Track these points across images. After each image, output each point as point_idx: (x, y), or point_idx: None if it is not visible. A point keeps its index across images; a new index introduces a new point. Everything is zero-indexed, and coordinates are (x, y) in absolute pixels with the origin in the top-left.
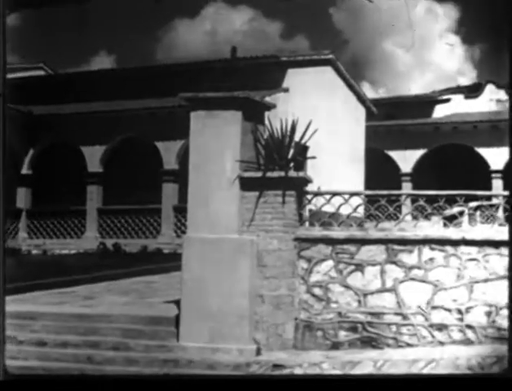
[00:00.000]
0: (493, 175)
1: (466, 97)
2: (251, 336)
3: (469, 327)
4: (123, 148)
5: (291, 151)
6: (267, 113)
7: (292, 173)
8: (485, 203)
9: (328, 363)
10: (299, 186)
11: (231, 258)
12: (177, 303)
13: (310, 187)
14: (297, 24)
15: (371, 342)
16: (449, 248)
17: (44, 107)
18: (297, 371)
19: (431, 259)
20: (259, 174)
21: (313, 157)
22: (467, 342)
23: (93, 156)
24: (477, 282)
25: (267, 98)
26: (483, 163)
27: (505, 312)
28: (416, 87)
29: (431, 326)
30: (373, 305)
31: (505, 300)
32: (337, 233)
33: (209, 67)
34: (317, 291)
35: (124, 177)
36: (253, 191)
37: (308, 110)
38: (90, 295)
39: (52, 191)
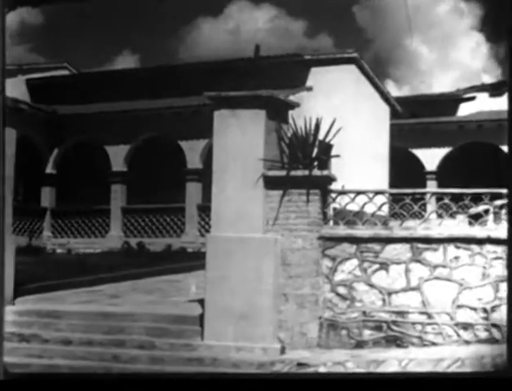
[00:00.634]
0: None
1: (491, 95)
2: (275, 335)
3: (494, 325)
4: (147, 147)
5: (315, 150)
6: (290, 112)
7: (316, 172)
8: None
9: (353, 362)
10: (323, 185)
11: (255, 257)
12: (201, 302)
13: (334, 186)
14: (321, 23)
15: (396, 341)
16: (474, 247)
17: (68, 107)
18: (322, 370)
19: (456, 258)
20: (283, 173)
21: (337, 156)
22: (493, 341)
23: (117, 155)
24: (502, 280)
25: (291, 97)
26: (508, 161)
27: None
28: (440, 85)
29: (457, 325)
30: (398, 303)
31: None
32: (361, 232)
33: (232, 66)
34: (341, 290)
35: (148, 177)
36: (277, 189)
37: (332, 108)
38: (116, 293)
39: (76, 190)
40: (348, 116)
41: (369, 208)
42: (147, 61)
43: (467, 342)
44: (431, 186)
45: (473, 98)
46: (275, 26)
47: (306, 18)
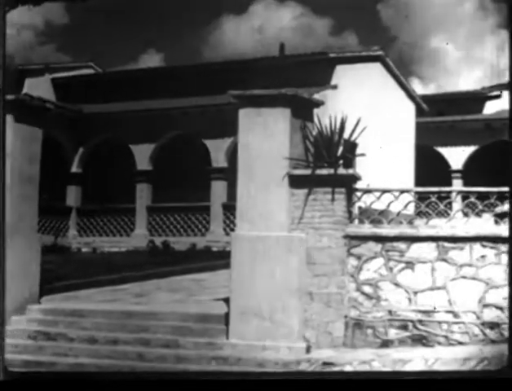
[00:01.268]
0: None
1: None
2: (301, 334)
3: None
4: (172, 146)
5: (340, 149)
6: (315, 110)
7: (341, 171)
8: None
9: (379, 361)
10: (349, 184)
11: (280, 256)
12: (226, 301)
13: (359, 185)
14: (346, 21)
15: (422, 340)
16: (501, 246)
17: (94, 106)
18: (347, 369)
19: (483, 256)
20: (308, 172)
21: (362, 154)
22: None
23: (142, 154)
24: None
25: (316, 95)
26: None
27: None
28: (466, 83)
29: (483, 324)
30: (424, 302)
31: None
32: (387, 230)
33: (257, 64)
34: (367, 289)
35: (173, 175)
36: (302, 188)
37: (357, 107)
38: (141, 292)
39: (102, 189)
40: (373, 114)
41: (395, 207)
42: (172, 60)
43: (493, 341)
44: (457, 185)
45: (499, 96)
46: (300, 24)
47: (331, 16)
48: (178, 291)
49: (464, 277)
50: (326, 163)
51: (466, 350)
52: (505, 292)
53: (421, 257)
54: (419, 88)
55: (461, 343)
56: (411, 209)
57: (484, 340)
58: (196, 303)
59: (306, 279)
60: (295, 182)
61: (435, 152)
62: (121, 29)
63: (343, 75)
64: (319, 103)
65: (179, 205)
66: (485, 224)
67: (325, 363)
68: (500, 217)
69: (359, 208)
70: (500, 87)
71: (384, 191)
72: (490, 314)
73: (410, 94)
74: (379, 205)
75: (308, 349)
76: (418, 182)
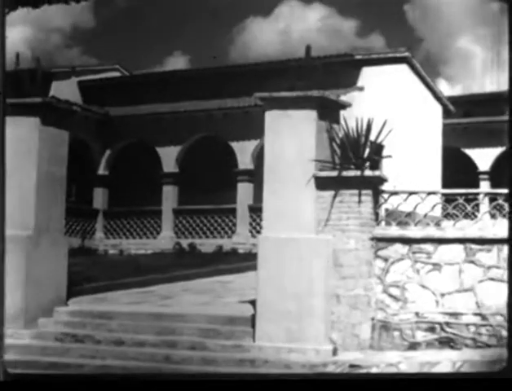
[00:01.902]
0: None
1: None
2: (327, 336)
3: None
4: (198, 148)
5: (367, 151)
6: (342, 112)
7: (368, 172)
8: None
9: (406, 364)
10: (375, 186)
11: (306, 258)
12: (252, 303)
13: (386, 186)
14: (372, 22)
15: (449, 343)
16: None
17: (120, 108)
18: (374, 372)
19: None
20: (335, 174)
21: (389, 156)
22: None
23: (168, 157)
24: None
25: (342, 97)
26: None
27: None
28: (493, 84)
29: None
30: (451, 305)
31: None
32: (414, 232)
33: (283, 66)
34: (394, 291)
35: (199, 178)
36: (328, 190)
37: (383, 108)
38: (168, 294)
39: (128, 191)
40: (400, 115)
41: (422, 209)
42: (198, 62)
43: None
44: (484, 187)
45: None
46: (326, 26)
47: (357, 17)
48: (204, 293)
49: (491, 279)
50: (352, 165)
51: (494, 352)
52: None
53: (449, 259)
54: (446, 89)
55: (488, 345)
56: (438, 211)
57: None
58: (223, 305)
59: (333, 281)
60: (321, 183)
61: (462, 154)
62: (147, 32)
63: (369, 76)
64: (345, 105)
65: (206, 207)
66: None
67: (352, 366)
68: None
69: (386, 210)
70: None
71: (411, 193)
72: None
73: (437, 96)
74: (406, 207)
75: (335, 352)
76: (445, 184)
